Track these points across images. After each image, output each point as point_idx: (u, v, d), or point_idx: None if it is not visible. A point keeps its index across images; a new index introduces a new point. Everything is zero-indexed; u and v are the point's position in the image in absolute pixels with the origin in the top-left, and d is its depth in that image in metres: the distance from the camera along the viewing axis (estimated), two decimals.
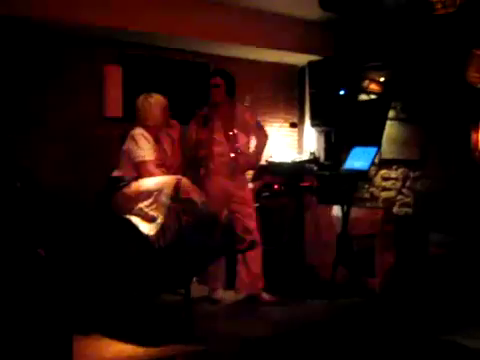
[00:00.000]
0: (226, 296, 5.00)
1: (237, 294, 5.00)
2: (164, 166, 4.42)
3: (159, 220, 3.92)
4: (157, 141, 4.46)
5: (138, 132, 4.34)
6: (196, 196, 4.02)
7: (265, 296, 4.94)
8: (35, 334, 3.17)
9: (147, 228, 3.93)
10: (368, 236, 5.25)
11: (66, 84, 5.28)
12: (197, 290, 4.92)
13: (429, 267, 4.89)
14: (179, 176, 4.10)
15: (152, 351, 3.80)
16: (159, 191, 3.97)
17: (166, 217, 3.91)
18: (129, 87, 5.46)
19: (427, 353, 3.97)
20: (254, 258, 4.84)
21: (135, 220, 4.00)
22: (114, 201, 4.25)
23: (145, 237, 3.91)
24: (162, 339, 3.93)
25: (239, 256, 4.84)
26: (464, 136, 5.38)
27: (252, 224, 4.85)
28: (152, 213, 3.96)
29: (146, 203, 4.00)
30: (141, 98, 4.46)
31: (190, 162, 4.86)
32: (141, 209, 4.02)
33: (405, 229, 5.27)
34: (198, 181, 4.57)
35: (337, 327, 4.39)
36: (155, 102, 4.44)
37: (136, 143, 4.28)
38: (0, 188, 3.85)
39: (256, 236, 4.83)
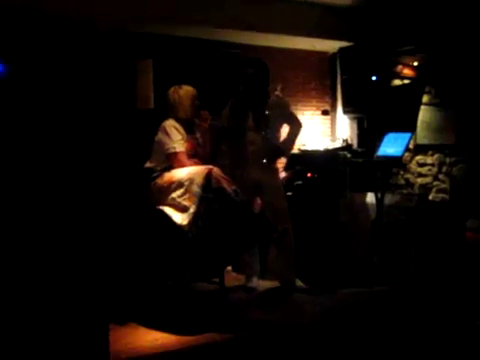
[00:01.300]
0: (261, 284, 4.99)
1: (271, 282, 4.99)
2: (197, 156, 4.45)
3: (191, 210, 3.94)
4: (189, 132, 4.50)
5: (169, 123, 4.38)
6: (227, 185, 4.03)
7: (299, 284, 4.93)
8: (71, 324, 3.22)
9: (180, 218, 3.96)
10: (403, 223, 5.20)
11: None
12: (232, 279, 4.98)
13: (466, 253, 4.81)
14: (210, 166, 4.12)
15: (186, 339, 3.82)
16: (191, 181, 4.01)
17: (198, 207, 3.94)
18: (160, 79, 5.48)
19: (464, 339, 3.93)
20: (286, 246, 4.83)
21: (168, 210, 4.04)
22: (148, 192, 4.31)
23: (178, 227, 3.94)
24: (196, 328, 3.96)
25: (272, 244, 4.83)
26: None
27: (284, 212, 4.84)
28: (184, 203, 3.99)
29: (178, 193, 4.04)
30: (171, 90, 4.50)
31: (221, 151, 4.86)
32: (174, 199, 4.06)
33: (442, 215, 5.19)
34: (229, 170, 4.58)
35: (371, 315, 4.37)
36: (184, 93, 4.47)
37: (167, 134, 4.32)
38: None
39: (288, 224, 4.81)
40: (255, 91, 4.79)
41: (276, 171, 5.02)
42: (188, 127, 4.50)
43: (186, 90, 4.49)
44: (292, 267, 4.90)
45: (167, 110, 4.52)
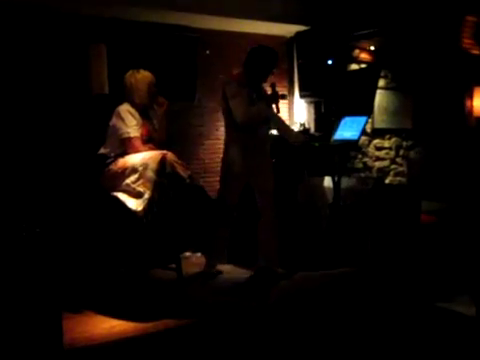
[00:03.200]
0: (227, 270, 5.01)
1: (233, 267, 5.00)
2: (152, 142, 4.40)
3: (146, 195, 3.91)
4: (144, 117, 4.44)
5: (124, 108, 4.33)
6: (182, 170, 4.01)
7: (275, 269, 4.90)
8: (22, 313, 3.18)
9: (134, 204, 3.93)
10: (359, 206, 5.24)
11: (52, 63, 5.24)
12: (191, 265, 4.96)
13: (421, 235, 4.88)
14: (165, 151, 4.08)
15: (143, 326, 3.80)
16: (145, 166, 3.97)
17: (153, 192, 3.91)
18: (115, 64, 5.39)
19: (424, 321, 3.99)
20: (273, 232, 4.83)
21: (122, 196, 4.00)
22: (102, 178, 4.25)
23: (133, 213, 3.90)
24: (153, 314, 3.94)
25: (260, 230, 4.83)
26: (457, 103, 5.34)
27: (271, 195, 4.83)
28: (139, 189, 3.96)
29: (132, 179, 4.00)
30: (128, 74, 4.45)
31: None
32: (128, 185, 4.02)
33: (397, 198, 5.25)
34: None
35: (329, 298, 4.41)
36: (141, 78, 4.42)
37: (122, 119, 4.27)
38: None
39: (273, 207, 4.82)
40: (253, 72, 4.74)
41: (269, 154, 4.99)
42: (143, 112, 4.45)
43: (143, 75, 4.43)
44: (276, 253, 4.89)
45: (123, 95, 4.46)
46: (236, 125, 4.65)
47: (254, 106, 4.63)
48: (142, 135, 4.32)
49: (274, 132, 5.09)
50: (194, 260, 5.17)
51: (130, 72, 4.45)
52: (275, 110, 4.78)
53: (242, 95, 4.63)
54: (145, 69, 4.51)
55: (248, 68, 4.74)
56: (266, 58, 4.72)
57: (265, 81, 4.86)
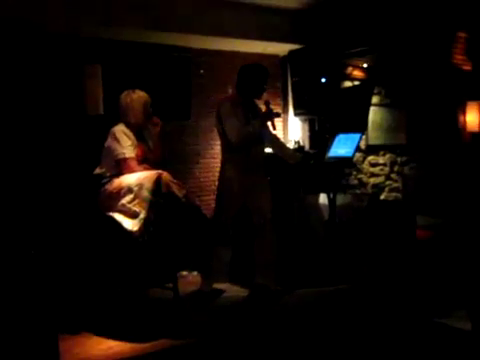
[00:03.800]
0: (224, 288, 5.00)
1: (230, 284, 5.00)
2: (147, 162, 4.41)
3: (142, 215, 3.91)
4: (140, 137, 4.46)
5: (119, 129, 4.34)
6: (177, 190, 4.02)
7: (272, 287, 4.87)
8: (21, 334, 3.17)
9: (130, 224, 3.92)
10: (355, 222, 5.25)
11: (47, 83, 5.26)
12: (187, 284, 4.95)
13: (417, 250, 4.88)
14: (160, 171, 4.09)
15: (141, 347, 3.78)
16: (140, 186, 3.97)
17: (148, 212, 3.91)
18: (110, 85, 5.42)
19: (421, 336, 3.98)
20: (271, 250, 4.83)
21: (118, 217, 4.00)
22: (98, 198, 4.26)
23: (129, 233, 3.90)
24: (150, 334, 3.93)
25: (257, 248, 4.84)
26: (450, 119, 5.38)
27: (269, 214, 4.84)
28: (134, 208, 3.95)
29: (128, 199, 4.00)
30: (124, 94, 4.46)
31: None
32: (124, 205, 4.01)
33: (392, 214, 5.26)
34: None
35: (327, 314, 4.40)
36: (137, 98, 4.43)
37: (117, 140, 4.28)
38: None
39: (271, 226, 4.83)
40: (245, 90, 4.76)
41: (265, 173, 4.99)
42: (138, 133, 4.46)
43: (138, 95, 4.44)
44: (273, 271, 4.88)
45: (118, 115, 4.48)
46: (231, 145, 4.68)
47: (248, 125, 4.65)
48: (137, 156, 4.32)
49: (269, 150, 5.11)
50: (191, 279, 5.14)
51: (125, 92, 4.47)
52: (271, 128, 4.81)
53: (236, 115, 4.65)
54: (140, 89, 4.53)
55: (240, 87, 4.78)
56: (256, 75, 4.74)
57: (259, 98, 4.89)
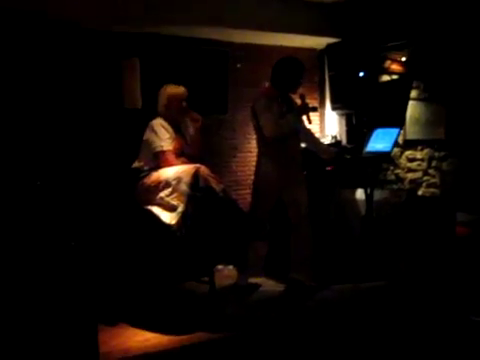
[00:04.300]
0: (263, 283, 5.01)
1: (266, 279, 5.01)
2: (184, 156, 4.44)
3: (180, 209, 3.94)
4: (177, 131, 4.48)
5: (157, 122, 4.38)
6: (215, 184, 4.04)
7: (308, 282, 4.86)
8: (60, 325, 3.22)
9: (168, 217, 3.96)
10: (393, 218, 5.19)
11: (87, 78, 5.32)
12: (223, 277, 4.97)
13: (456, 247, 4.82)
14: (198, 165, 4.11)
15: (177, 339, 3.81)
16: (178, 180, 4.00)
17: (186, 206, 3.93)
18: (148, 79, 5.45)
19: (459, 334, 3.93)
20: (307, 244, 4.83)
21: (156, 210, 4.04)
22: (136, 192, 4.30)
23: (167, 226, 3.93)
24: (187, 327, 3.96)
25: (293, 243, 4.83)
26: None
27: (306, 208, 4.84)
28: (173, 202, 3.99)
29: (166, 192, 4.04)
30: (162, 89, 4.53)
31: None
32: (162, 198, 4.06)
33: (431, 210, 5.20)
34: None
35: (363, 311, 4.37)
36: (173, 93, 4.47)
37: (155, 133, 4.32)
38: (21, 187, 3.89)
39: (308, 220, 4.84)
40: (280, 84, 4.76)
41: (301, 167, 4.98)
42: (176, 127, 4.49)
43: (175, 90, 4.49)
44: (309, 266, 4.88)
45: (156, 109, 4.52)
46: (266, 140, 4.68)
47: (283, 119, 4.64)
48: (175, 149, 4.35)
49: (303, 145, 5.08)
50: (226, 273, 5.16)
51: (164, 87, 4.51)
52: (306, 122, 4.79)
53: (271, 110, 4.65)
54: (177, 83, 4.56)
55: (275, 81, 4.77)
56: (291, 69, 4.74)
57: (295, 92, 4.87)
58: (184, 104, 4.50)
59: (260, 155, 4.85)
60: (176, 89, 4.49)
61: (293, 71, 4.73)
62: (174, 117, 4.48)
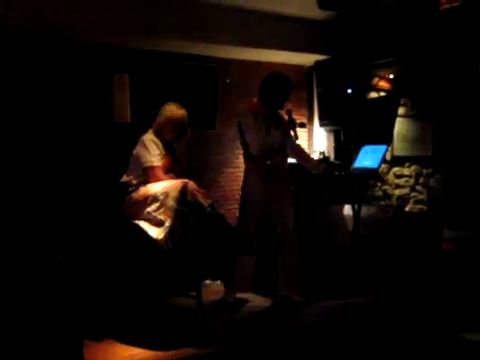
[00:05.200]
0: (251, 299, 4.98)
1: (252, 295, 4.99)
2: (173, 172, 4.44)
3: (167, 224, 3.94)
4: (168, 148, 4.48)
5: (148, 137, 4.38)
6: (203, 199, 4.04)
7: (296, 298, 4.85)
8: (46, 340, 3.20)
9: (156, 232, 3.95)
10: (380, 234, 5.22)
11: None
12: (210, 293, 4.94)
13: (442, 264, 4.84)
14: (186, 180, 4.12)
15: (164, 355, 3.78)
16: (166, 195, 4.00)
17: (174, 220, 3.93)
18: (137, 93, 5.47)
19: (448, 352, 3.93)
20: (293, 260, 4.81)
21: (143, 225, 4.03)
22: (124, 206, 4.29)
23: (154, 241, 3.92)
24: (174, 343, 3.93)
25: (280, 258, 4.82)
26: (477, 131, 5.33)
27: (291, 223, 4.82)
28: (160, 217, 3.99)
29: (154, 207, 4.03)
30: (166, 107, 4.48)
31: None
32: (149, 213, 4.05)
33: (418, 226, 5.22)
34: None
35: (350, 327, 4.36)
36: (163, 111, 4.45)
37: (146, 148, 4.31)
38: (8, 200, 3.87)
39: (294, 235, 4.82)
40: (268, 99, 4.76)
41: (288, 182, 4.98)
42: (167, 144, 4.48)
43: (174, 114, 4.43)
44: (297, 281, 4.88)
45: (145, 123, 4.52)
46: (253, 155, 4.70)
47: (269, 136, 4.66)
48: (164, 165, 4.35)
49: (293, 160, 5.10)
50: (214, 288, 5.14)
51: (169, 106, 4.48)
52: (293, 137, 4.80)
53: (257, 125, 4.67)
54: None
55: (262, 96, 4.78)
56: (278, 85, 4.74)
57: (282, 108, 4.89)
58: (177, 130, 4.48)
59: (247, 171, 4.86)
60: (176, 112, 4.45)
61: (280, 87, 4.75)
62: (172, 139, 4.48)
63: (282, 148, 4.77)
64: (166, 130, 4.43)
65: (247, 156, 4.81)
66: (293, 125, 4.77)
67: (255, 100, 4.85)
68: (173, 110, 4.45)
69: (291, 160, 5.04)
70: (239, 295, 4.93)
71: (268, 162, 4.65)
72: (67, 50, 5.26)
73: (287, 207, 4.82)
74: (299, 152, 5.07)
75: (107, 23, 5.08)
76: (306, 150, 6.66)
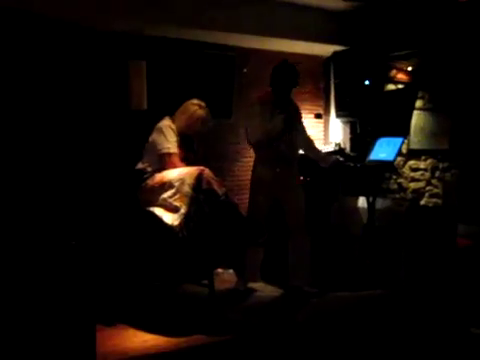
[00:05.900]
0: (258, 288, 4.99)
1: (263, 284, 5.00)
2: (188, 160, 4.44)
3: (182, 210, 3.94)
4: (183, 139, 4.47)
5: (166, 124, 4.37)
6: (218, 187, 4.04)
7: (307, 288, 4.86)
8: (58, 325, 3.21)
9: (171, 218, 3.96)
10: (394, 227, 5.20)
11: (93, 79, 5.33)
12: (222, 281, 4.96)
13: (456, 259, 4.81)
14: (202, 167, 4.12)
15: (176, 341, 3.81)
16: (181, 182, 4.01)
17: (189, 207, 3.94)
18: (154, 81, 5.47)
19: (458, 346, 3.92)
20: (305, 250, 4.81)
21: (158, 211, 4.04)
22: (139, 192, 4.30)
23: (169, 227, 3.93)
24: (186, 329, 3.95)
25: (291, 249, 4.82)
26: None
27: (303, 215, 4.82)
28: (175, 203, 3.99)
29: (169, 193, 4.04)
30: (194, 104, 4.49)
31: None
32: (165, 199, 4.06)
33: (432, 220, 5.20)
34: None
35: (360, 319, 4.36)
36: (192, 109, 4.46)
37: (163, 134, 4.32)
38: (23, 186, 3.90)
39: (304, 228, 4.81)
40: (276, 88, 4.79)
41: (297, 171, 4.99)
42: (183, 135, 4.47)
43: (203, 112, 4.47)
44: (308, 272, 4.87)
45: (161, 111, 4.51)
46: (252, 144, 4.76)
47: (270, 123, 4.66)
48: (179, 153, 4.36)
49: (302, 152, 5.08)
50: (225, 277, 5.16)
51: (197, 104, 4.49)
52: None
53: (262, 114, 4.69)
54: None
55: (272, 85, 4.81)
56: (282, 72, 4.77)
57: (289, 95, 4.88)
58: (200, 128, 4.49)
59: (255, 160, 4.89)
60: (205, 112, 4.48)
61: (285, 74, 4.76)
62: (191, 134, 4.49)
63: (287, 135, 4.75)
64: (189, 128, 4.44)
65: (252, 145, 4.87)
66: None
67: (269, 90, 4.86)
68: (203, 109, 4.47)
69: (301, 152, 5.04)
70: (251, 285, 4.95)
71: (274, 144, 4.65)
72: (82, 37, 5.26)
73: (297, 197, 4.81)
74: (308, 145, 5.06)
75: (124, 9, 5.08)
76: (322, 141, 6.68)
